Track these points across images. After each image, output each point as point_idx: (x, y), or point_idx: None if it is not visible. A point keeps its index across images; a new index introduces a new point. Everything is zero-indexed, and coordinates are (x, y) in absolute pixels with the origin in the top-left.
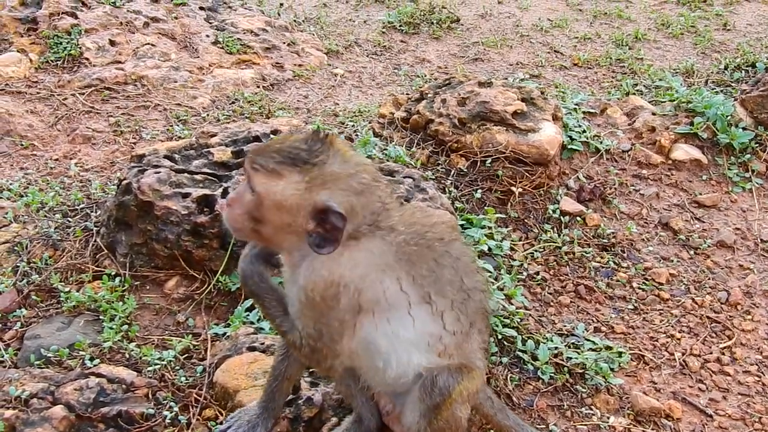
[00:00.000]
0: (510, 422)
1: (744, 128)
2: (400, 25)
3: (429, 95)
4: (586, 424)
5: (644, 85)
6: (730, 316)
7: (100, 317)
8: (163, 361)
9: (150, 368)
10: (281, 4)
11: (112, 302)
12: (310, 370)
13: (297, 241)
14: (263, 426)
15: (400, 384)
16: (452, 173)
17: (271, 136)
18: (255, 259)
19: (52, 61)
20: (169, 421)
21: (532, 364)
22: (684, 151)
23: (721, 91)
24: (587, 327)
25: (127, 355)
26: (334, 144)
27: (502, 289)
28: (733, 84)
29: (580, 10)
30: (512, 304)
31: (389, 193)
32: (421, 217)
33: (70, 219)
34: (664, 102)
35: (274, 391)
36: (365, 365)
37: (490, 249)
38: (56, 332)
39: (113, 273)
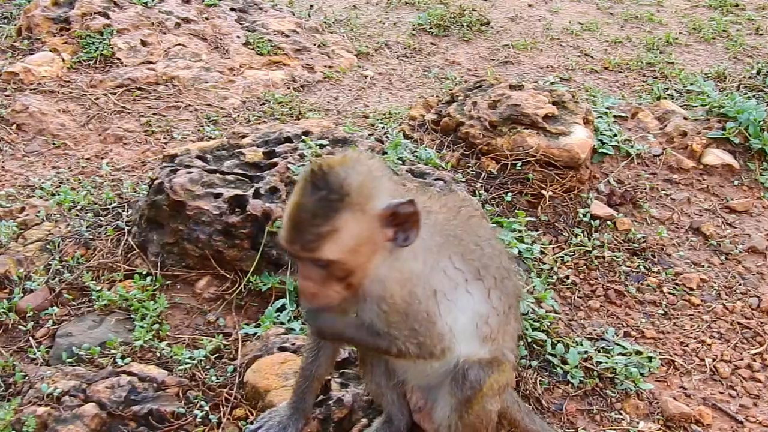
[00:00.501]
0: (537, 426)
1: None
2: (430, 28)
3: (459, 98)
4: (615, 429)
5: (675, 90)
6: (761, 323)
7: (132, 316)
8: (193, 360)
9: (181, 367)
10: (311, 6)
11: (144, 301)
12: (341, 370)
13: (382, 257)
14: (294, 426)
15: (438, 374)
16: (483, 176)
17: (303, 137)
18: (316, 312)
19: (84, 60)
20: (199, 420)
21: (561, 368)
22: (716, 156)
23: (754, 96)
24: (617, 331)
25: (158, 354)
26: (334, 165)
27: (532, 293)
28: (765, 89)
29: (611, 13)
30: (542, 307)
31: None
32: (448, 197)
33: (101, 218)
34: (696, 107)
35: (304, 391)
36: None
37: (520, 252)
38: (88, 330)
39: (144, 272)
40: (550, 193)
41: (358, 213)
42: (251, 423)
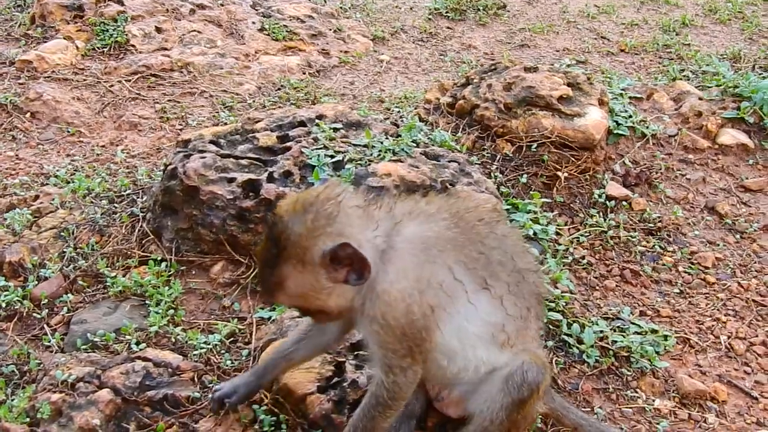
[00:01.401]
0: (555, 404)
1: None
2: (447, 12)
3: (475, 80)
4: (631, 407)
5: (691, 71)
6: None
7: (146, 302)
8: (208, 345)
9: (196, 352)
10: None
11: (158, 287)
12: (356, 352)
13: (346, 294)
14: (245, 388)
15: (458, 378)
16: (498, 158)
17: (317, 121)
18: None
19: (98, 48)
20: None
21: (577, 348)
22: (731, 136)
23: None
24: (633, 311)
25: (173, 340)
26: (281, 214)
27: (547, 273)
28: None
29: None
30: (558, 288)
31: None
32: (456, 201)
33: (116, 205)
34: (711, 87)
35: (269, 364)
36: (428, 363)
37: (535, 233)
38: (102, 317)
39: (159, 258)
40: (566, 174)
41: (297, 264)
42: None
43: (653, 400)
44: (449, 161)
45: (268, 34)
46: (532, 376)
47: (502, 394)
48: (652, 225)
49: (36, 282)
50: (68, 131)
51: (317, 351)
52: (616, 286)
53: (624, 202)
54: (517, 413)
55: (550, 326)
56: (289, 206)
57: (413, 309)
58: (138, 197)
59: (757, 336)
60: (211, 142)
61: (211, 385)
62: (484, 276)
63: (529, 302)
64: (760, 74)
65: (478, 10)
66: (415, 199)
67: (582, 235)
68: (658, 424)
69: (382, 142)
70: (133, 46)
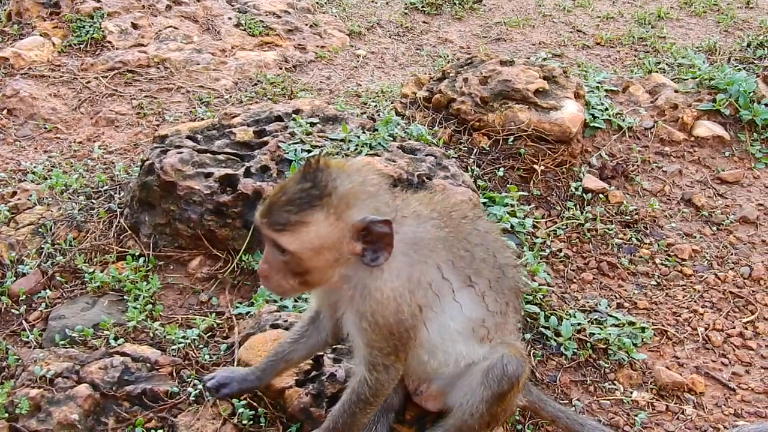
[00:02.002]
0: (533, 397)
1: (766, 104)
2: (423, 6)
3: (451, 74)
4: (609, 399)
5: (667, 63)
6: (753, 291)
7: (125, 297)
8: (187, 339)
9: (174, 347)
10: None
11: (136, 282)
12: (333, 346)
13: (346, 270)
14: (237, 384)
15: (438, 373)
16: (474, 152)
17: (293, 115)
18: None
19: (74, 44)
20: (193, 398)
21: (555, 340)
22: (706, 128)
23: (744, 68)
24: (610, 303)
25: (152, 334)
26: (330, 165)
27: (525, 266)
28: (755, 61)
29: None
30: (535, 280)
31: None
32: (441, 199)
33: (93, 201)
34: (687, 79)
35: (268, 365)
36: (408, 359)
37: (512, 226)
38: (81, 312)
39: (137, 253)
40: (542, 167)
41: (332, 216)
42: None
43: (631, 392)
44: (426, 155)
45: (245, 30)
46: (511, 369)
47: (482, 387)
48: (628, 217)
49: (14, 278)
50: (45, 127)
51: (315, 349)
52: (594, 278)
53: (600, 195)
54: (497, 406)
55: (528, 319)
56: (338, 162)
57: (403, 309)
58: (115, 193)
59: (734, 327)
60: (188, 137)
61: (189, 379)
62: (468, 273)
63: (508, 297)
64: (735, 66)
65: (454, 4)
66: (406, 197)
67: (559, 228)
68: (635, 416)
69: (358, 137)
70: (109, 42)
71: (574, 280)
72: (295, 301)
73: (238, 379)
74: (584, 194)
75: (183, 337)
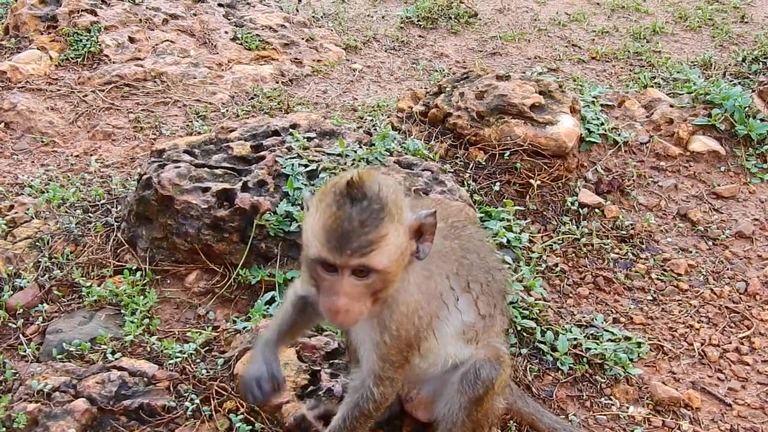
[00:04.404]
0: (530, 409)
1: (762, 119)
2: (418, 20)
3: (447, 89)
4: (605, 414)
5: (662, 78)
6: (749, 306)
7: (122, 311)
8: (184, 354)
9: (171, 361)
10: (299, 0)
11: (133, 296)
12: (330, 361)
13: (405, 272)
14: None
15: (427, 374)
16: (471, 166)
17: (290, 130)
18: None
19: (72, 58)
20: (190, 413)
21: (551, 355)
22: (702, 143)
23: (739, 83)
24: (606, 318)
25: (149, 349)
26: (364, 178)
27: (521, 281)
28: (750, 76)
29: (598, 3)
30: (531, 295)
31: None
32: (445, 207)
33: (90, 214)
34: (682, 94)
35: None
36: None
37: (508, 241)
38: (78, 326)
39: (134, 267)
40: (538, 182)
41: (396, 223)
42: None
43: (627, 408)
44: (422, 170)
45: (241, 44)
46: (485, 373)
47: (458, 394)
48: (624, 232)
49: (11, 292)
50: (42, 141)
51: (304, 331)
52: (590, 293)
53: (596, 210)
54: (476, 412)
55: (524, 334)
56: (364, 173)
57: (422, 320)
58: (112, 207)
59: (730, 343)
60: (186, 151)
61: (186, 394)
62: (468, 280)
63: (496, 299)
64: (730, 81)
65: (450, 18)
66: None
67: (555, 243)
68: (632, 431)
69: (355, 151)
70: (106, 56)
71: (570, 295)
72: None
73: (265, 374)
74: (580, 209)
75: (180, 352)
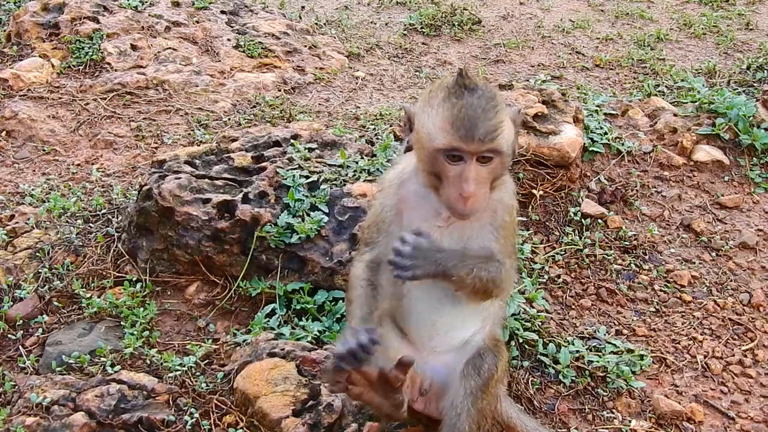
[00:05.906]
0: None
1: (766, 129)
2: (422, 27)
3: None
4: (607, 428)
5: (666, 86)
6: (753, 318)
7: (122, 323)
8: (183, 367)
9: (171, 374)
10: (303, 7)
11: (133, 308)
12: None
13: None
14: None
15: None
16: None
17: (292, 141)
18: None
19: (73, 66)
20: (189, 427)
21: (553, 368)
22: (706, 153)
23: (744, 91)
24: (609, 330)
25: (148, 361)
26: (463, 77)
27: (523, 293)
28: (755, 84)
29: (602, 10)
30: (533, 307)
31: None
32: None
33: (91, 224)
34: (686, 103)
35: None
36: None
37: None
38: (77, 338)
39: (134, 279)
40: (541, 192)
41: (506, 110)
42: (241, 429)
43: (630, 421)
44: None
45: (243, 51)
46: (489, 358)
47: (463, 380)
48: (627, 243)
49: (11, 303)
50: (44, 150)
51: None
52: (592, 305)
53: (599, 220)
54: (481, 399)
55: (526, 346)
56: (467, 69)
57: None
58: (113, 217)
59: (733, 355)
60: (186, 162)
61: (186, 408)
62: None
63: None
64: (734, 90)
65: (453, 25)
66: None
67: (557, 254)
68: None
69: (357, 162)
70: (108, 63)
71: (573, 307)
72: (293, 328)
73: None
74: (583, 219)
75: (180, 365)
